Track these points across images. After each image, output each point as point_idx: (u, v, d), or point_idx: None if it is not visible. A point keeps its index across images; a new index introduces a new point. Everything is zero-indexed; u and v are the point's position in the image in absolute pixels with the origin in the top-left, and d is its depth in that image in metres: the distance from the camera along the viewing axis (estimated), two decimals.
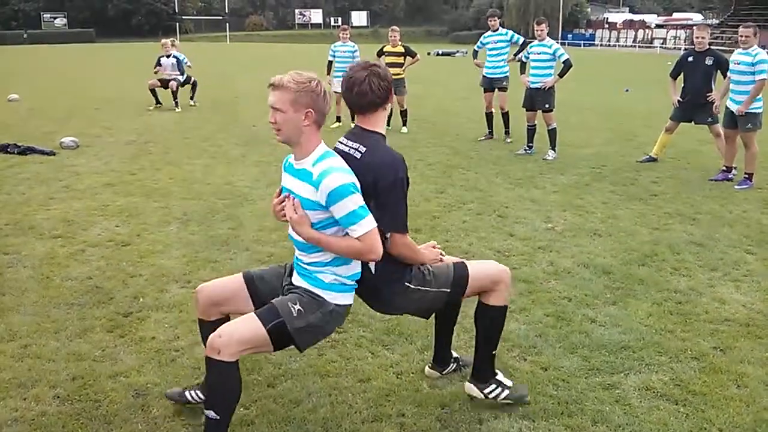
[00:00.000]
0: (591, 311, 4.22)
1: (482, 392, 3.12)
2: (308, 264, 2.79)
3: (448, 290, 2.99)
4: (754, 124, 7.63)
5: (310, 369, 3.46)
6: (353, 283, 2.84)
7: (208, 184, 7.54)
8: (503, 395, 3.12)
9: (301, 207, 2.68)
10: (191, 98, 14.69)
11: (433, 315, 3.23)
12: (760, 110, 7.65)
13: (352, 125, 2.95)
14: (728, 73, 7.93)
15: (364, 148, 2.78)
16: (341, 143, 2.88)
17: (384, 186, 2.73)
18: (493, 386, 3.12)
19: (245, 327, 2.63)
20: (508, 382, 3.17)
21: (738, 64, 7.75)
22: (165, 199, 6.82)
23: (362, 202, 2.62)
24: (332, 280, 2.76)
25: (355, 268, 2.82)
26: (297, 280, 2.84)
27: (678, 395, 3.25)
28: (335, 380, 3.35)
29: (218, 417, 2.63)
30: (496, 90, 10.63)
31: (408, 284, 2.92)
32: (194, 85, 14.74)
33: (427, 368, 3.44)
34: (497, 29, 10.56)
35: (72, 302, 4.25)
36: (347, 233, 2.65)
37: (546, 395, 3.24)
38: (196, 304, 2.98)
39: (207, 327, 2.87)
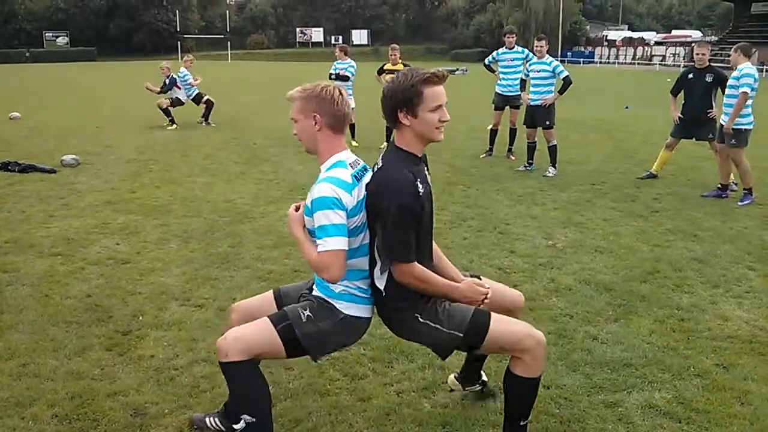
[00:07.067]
0: (593, 328, 4.20)
1: None
2: None
3: (461, 335, 2.71)
4: (738, 140, 7.60)
5: (309, 388, 3.43)
6: (366, 296, 2.79)
7: (208, 201, 7.54)
8: None
9: (303, 210, 2.73)
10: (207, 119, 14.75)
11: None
12: (744, 126, 7.59)
13: (382, 146, 2.94)
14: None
15: (381, 163, 2.74)
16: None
17: (381, 209, 2.62)
18: None
19: (255, 327, 2.68)
20: None
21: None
22: (165, 217, 6.82)
23: (340, 220, 2.57)
24: (341, 289, 2.75)
25: (366, 281, 2.78)
26: (313, 290, 2.86)
27: (681, 413, 3.22)
28: (335, 399, 3.33)
29: (254, 419, 2.65)
30: (508, 107, 10.62)
31: (417, 316, 2.73)
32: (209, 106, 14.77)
33: (451, 377, 3.38)
34: (513, 47, 10.48)
35: (71, 320, 4.23)
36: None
37: (548, 414, 3.20)
38: (231, 324, 2.88)
39: None
